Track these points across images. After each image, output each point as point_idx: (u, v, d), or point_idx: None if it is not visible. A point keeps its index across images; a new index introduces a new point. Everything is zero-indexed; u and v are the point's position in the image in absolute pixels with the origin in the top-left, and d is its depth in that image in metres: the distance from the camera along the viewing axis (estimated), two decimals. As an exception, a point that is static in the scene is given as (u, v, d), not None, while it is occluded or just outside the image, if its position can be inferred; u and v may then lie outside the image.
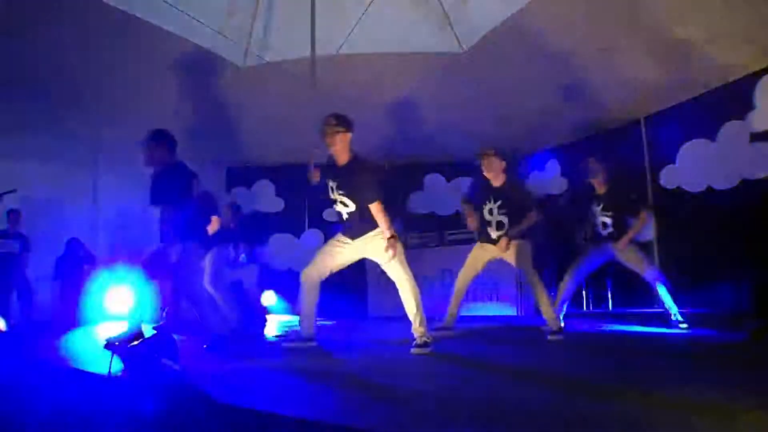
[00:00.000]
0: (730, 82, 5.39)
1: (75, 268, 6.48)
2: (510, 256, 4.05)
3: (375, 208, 3.21)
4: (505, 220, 4.07)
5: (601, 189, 4.42)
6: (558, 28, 5.71)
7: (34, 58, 5.43)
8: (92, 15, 5.26)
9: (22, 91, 5.79)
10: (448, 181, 8.38)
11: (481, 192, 4.25)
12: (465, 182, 8.23)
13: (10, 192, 5.13)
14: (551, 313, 3.91)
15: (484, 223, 4.16)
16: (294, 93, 6.68)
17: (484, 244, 4.18)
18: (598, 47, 5.67)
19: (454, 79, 6.85)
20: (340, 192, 3.34)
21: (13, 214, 5.97)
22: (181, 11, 5.48)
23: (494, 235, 4.10)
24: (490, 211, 4.13)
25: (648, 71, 5.68)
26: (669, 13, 5.03)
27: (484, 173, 4.16)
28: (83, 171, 6.78)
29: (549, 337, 3.77)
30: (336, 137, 3.31)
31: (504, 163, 4.15)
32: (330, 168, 3.42)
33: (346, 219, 3.36)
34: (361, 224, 3.30)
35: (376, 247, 3.26)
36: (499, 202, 4.10)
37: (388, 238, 3.18)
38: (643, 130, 6.43)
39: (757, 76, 5.12)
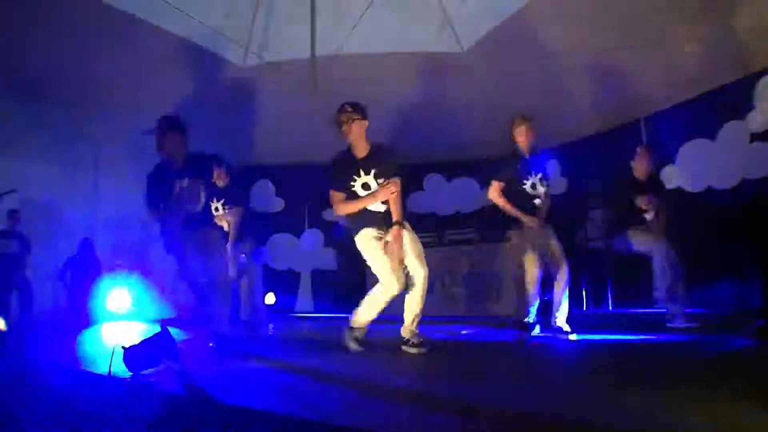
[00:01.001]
0: (730, 82, 5.40)
1: (87, 267, 6.50)
2: (553, 242, 3.71)
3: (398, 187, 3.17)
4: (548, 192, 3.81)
5: (644, 176, 4.28)
6: (557, 28, 5.71)
7: (34, 58, 5.44)
8: (92, 15, 5.27)
9: (22, 92, 5.79)
10: (448, 181, 8.38)
11: (519, 167, 3.78)
12: (465, 182, 8.24)
13: (10, 192, 5.13)
14: (565, 311, 3.77)
15: (526, 203, 3.74)
16: (294, 93, 6.68)
17: (524, 231, 3.73)
18: (597, 47, 5.68)
19: (454, 79, 6.85)
20: (380, 181, 3.19)
21: (13, 215, 5.98)
22: (181, 11, 5.49)
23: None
24: (533, 186, 3.77)
25: (648, 71, 5.68)
26: (669, 13, 5.03)
27: (520, 143, 3.79)
28: (83, 171, 6.78)
29: (569, 337, 3.64)
30: (354, 125, 3.18)
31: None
32: (353, 163, 3.21)
33: (384, 211, 3.21)
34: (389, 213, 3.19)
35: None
36: (539, 174, 3.79)
37: (398, 223, 3.13)
38: (643, 130, 6.44)
39: (757, 76, 5.12)
